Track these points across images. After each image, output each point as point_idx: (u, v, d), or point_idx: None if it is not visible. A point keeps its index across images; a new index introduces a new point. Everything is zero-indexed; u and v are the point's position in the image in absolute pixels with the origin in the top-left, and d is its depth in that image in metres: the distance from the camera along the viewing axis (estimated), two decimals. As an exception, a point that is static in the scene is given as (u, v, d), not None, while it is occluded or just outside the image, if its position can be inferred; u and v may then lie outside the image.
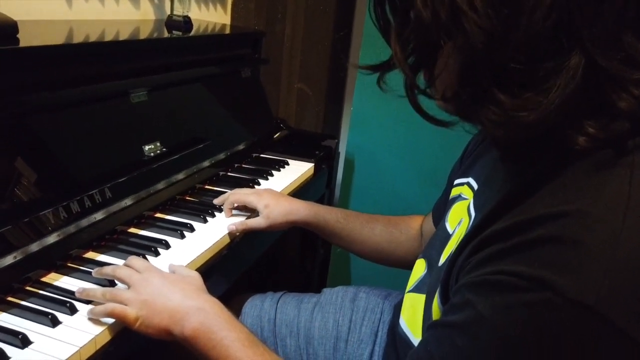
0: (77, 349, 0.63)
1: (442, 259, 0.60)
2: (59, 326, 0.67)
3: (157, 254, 0.86)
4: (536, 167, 0.47)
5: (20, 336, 0.62)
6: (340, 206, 1.68)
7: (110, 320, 0.68)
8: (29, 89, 0.79)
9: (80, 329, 0.66)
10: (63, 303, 0.69)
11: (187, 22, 1.29)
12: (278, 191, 1.07)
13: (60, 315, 0.68)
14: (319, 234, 1.00)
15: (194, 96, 1.21)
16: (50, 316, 0.66)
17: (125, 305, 0.67)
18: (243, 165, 1.31)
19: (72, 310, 0.69)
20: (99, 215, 0.86)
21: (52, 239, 0.78)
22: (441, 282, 0.54)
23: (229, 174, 1.25)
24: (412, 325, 0.65)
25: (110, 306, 0.66)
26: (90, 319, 0.68)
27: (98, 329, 0.67)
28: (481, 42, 0.41)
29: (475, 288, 0.45)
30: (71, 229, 0.81)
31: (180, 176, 1.07)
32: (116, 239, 0.90)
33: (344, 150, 1.62)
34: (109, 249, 0.86)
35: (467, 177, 0.69)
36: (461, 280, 0.48)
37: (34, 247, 0.75)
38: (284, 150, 1.44)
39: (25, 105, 0.79)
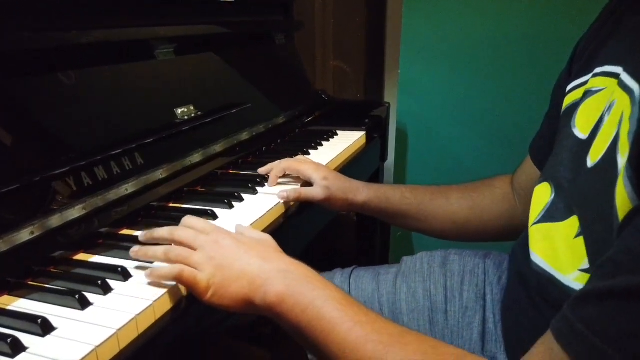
0: (114, 331, 0.48)
1: (595, 158, 0.45)
2: (89, 308, 0.52)
3: (203, 225, 0.71)
4: None
5: (39, 321, 0.48)
6: (396, 181, 1.51)
7: (155, 296, 0.53)
8: (41, 32, 0.67)
9: (117, 309, 0.51)
10: (93, 282, 0.55)
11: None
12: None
13: (90, 296, 0.53)
14: (383, 217, 0.85)
15: (226, 61, 1.07)
16: (78, 296, 0.52)
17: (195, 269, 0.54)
18: (287, 139, 1.17)
19: (105, 289, 0.55)
20: (130, 187, 0.72)
21: (76, 212, 0.64)
22: (630, 164, 0.39)
23: (272, 147, 1.11)
24: (551, 258, 0.51)
25: (178, 267, 0.53)
26: (126, 298, 0.53)
27: (139, 307, 0.52)
28: None
29: None
30: (98, 201, 0.67)
31: (219, 148, 0.93)
32: (154, 215, 0.75)
33: (395, 120, 1.45)
34: (146, 225, 0.72)
35: (590, 71, 0.56)
36: None
37: (55, 221, 0.61)
38: (329, 123, 1.29)
39: (39, 53, 0.67)
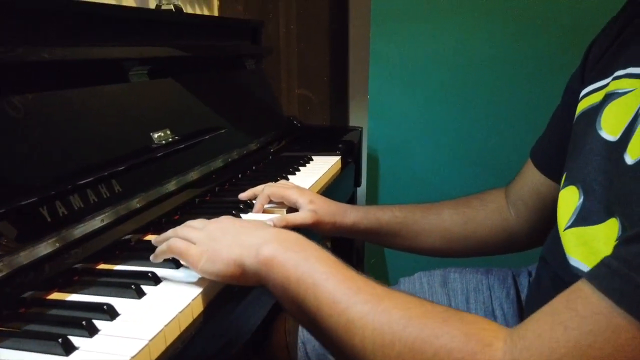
0: (109, 378, 0.42)
1: (636, 155, 0.44)
2: (75, 353, 0.45)
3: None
4: None
5: (18, 372, 0.41)
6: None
7: (151, 334, 0.47)
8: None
9: (108, 352, 0.45)
10: (77, 323, 0.48)
11: (179, 12, 1.12)
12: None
13: (75, 339, 0.47)
14: (372, 238, 0.83)
15: (198, 85, 1.03)
16: (61, 340, 0.45)
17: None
18: (261, 165, 1.13)
19: (91, 331, 0.48)
20: (106, 218, 0.66)
21: (48, 247, 0.57)
22: None
23: (248, 174, 1.06)
24: (593, 262, 0.48)
25: (171, 240, 0.58)
26: (116, 339, 0.47)
27: (134, 349, 0.45)
28: None
29: None
30: (71, 234, 0.60)
31: (196, 175, 0.88)
32: (133, 247, 0.69)
33: (366, 146, 1.44)
34: (125, 258, 0.65)
35: (609, 75, 0.56)
36: None
37: (23, 257, 0.54)
38: (302, 148, 1.26)
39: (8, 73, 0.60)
